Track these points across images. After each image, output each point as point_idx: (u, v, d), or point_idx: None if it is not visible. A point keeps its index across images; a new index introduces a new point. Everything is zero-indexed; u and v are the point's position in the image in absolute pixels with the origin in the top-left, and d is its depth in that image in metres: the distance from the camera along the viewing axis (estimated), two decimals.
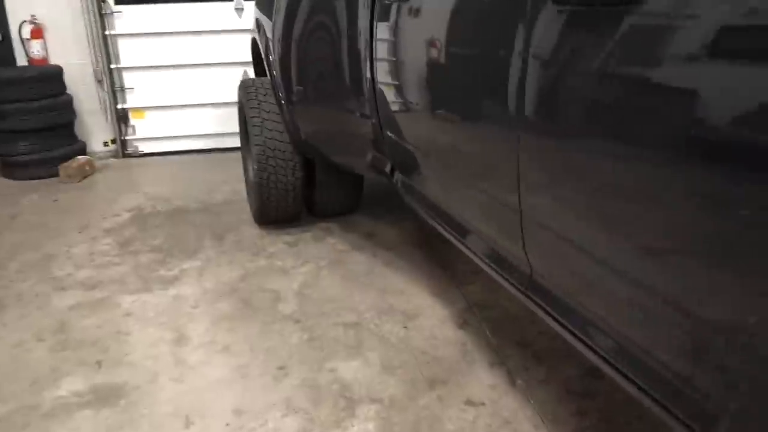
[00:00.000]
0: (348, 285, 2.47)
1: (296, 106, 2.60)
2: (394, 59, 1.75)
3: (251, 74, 4.62)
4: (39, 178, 4.13)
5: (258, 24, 2.97)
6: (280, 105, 2.71)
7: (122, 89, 4.68)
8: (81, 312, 2.32)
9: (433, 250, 2.76)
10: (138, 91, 4.70)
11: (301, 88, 2.52)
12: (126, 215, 3.39)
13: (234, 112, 4.54)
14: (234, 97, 4.67)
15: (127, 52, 4.61)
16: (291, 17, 2.51)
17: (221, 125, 4.76)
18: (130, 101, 4.72)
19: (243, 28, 4.52)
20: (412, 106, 1.72)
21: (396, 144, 1.90)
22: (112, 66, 4.58)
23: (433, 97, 1.55)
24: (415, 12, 1.60)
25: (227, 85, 4.66)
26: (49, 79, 4.24)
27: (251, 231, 3.07)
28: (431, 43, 1.51)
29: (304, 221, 3.10)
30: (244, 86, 2.91)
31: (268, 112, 2.76)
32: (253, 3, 3.30)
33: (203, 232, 3.07)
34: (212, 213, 3.37)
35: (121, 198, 3.70)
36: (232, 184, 3.85)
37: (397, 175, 2.02)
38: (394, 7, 1.70)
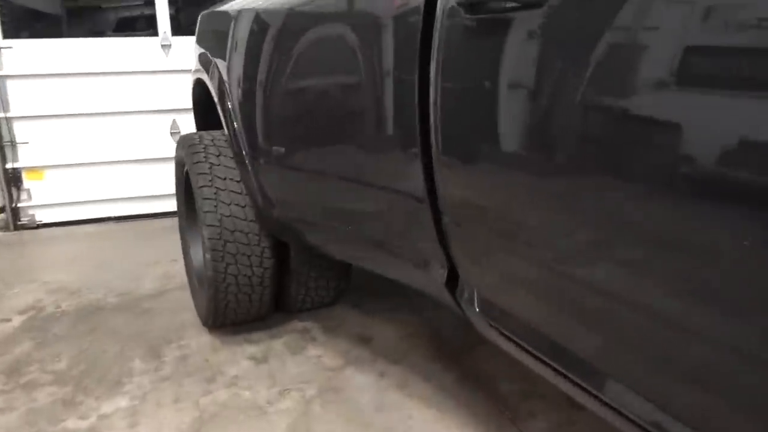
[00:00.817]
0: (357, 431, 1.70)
1: (268, 169, 1.84)
2: (479, 110, 1.05)
3: (182, 124, 3.84)
4: None
5: (205, 60, 2.21)
6: (243, 168, 1.95)
7: (13, 144, 3.71)
8: None
9: (459, 362, 2.04)
10: (34, 146, 3.75)
11: (280, 148, 1.77)
12: (16, 320, 2.46)
13: (161, 169, 3.74)
14: (160, 151, 3.88)
15: (20, 98, 3.67)
16: (258, 48, 1.78)
17: (143, 186, 3.89)
18: (24, 159, 3.76)
19: (172, 69, 3.75)
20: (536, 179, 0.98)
21: (482, 249, 1.16)
22: (0, 115, 3.64)
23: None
24: (532, 31, 0.92)
25: (151, 138, 3.86)
26: None
27: (199, 339, 2.23)
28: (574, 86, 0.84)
29: (270, 318, 2.31)
30: (188, 143, 2.12)
31: (224, 179, 1.99)
32: (193, 37, 2.54)
33: (130, 345, 2.21)
34: (140, 311, 2.50)
35: (10, 292, 2.75)
36: (163, 264, 2.99)
37: (469, 293, 1.26)
38: (483, 26, 1.01)
